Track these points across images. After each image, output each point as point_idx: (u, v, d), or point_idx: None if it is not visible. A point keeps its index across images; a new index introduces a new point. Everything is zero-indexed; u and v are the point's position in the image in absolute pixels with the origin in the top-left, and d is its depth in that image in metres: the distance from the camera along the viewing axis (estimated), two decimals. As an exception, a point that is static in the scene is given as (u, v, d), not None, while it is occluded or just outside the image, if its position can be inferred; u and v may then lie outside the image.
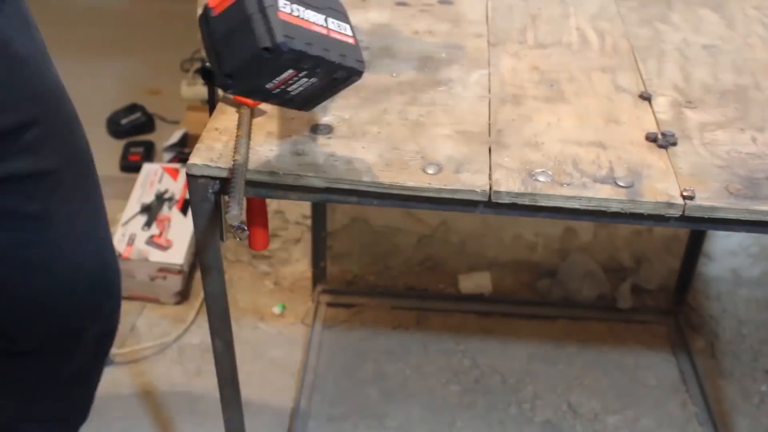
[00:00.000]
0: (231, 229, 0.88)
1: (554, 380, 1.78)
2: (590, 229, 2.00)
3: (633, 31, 1.24)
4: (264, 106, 0.98)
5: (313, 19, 0.77)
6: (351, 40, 0.81)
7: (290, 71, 0.74)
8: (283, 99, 0.80)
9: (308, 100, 0.82)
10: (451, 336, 1.89)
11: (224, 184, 0.91)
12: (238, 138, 0.90)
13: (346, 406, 1.70)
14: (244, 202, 1.01)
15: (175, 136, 2.33)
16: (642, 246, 2.01)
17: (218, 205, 0.99)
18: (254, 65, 0.72)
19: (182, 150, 2.31)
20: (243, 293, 1.97)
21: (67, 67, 2.97)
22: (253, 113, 0.96)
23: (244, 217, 1.01)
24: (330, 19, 0.80)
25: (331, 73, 0.78)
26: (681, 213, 0.85)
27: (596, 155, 0.92)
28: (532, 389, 1.76)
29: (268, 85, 0.76)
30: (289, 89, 0.78)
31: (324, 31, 0.77)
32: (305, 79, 0.77)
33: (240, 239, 0.88)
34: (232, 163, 0.87)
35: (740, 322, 1.92)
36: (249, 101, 0.96)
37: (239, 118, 0.94)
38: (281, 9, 0.72)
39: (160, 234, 1.96)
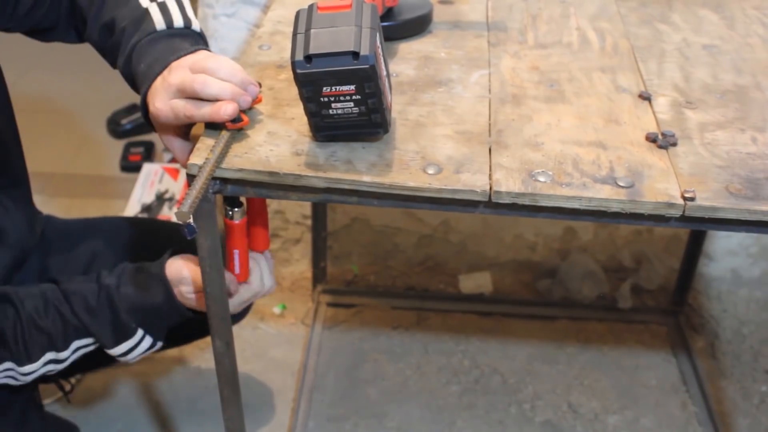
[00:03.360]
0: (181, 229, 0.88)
1: (554, 380, 1.78)
2: (590, 229, 2.00)
3: (633, 31, 1.24)
4: (259, 107, 0.98)
5: (384, 67, 0.89)
6: (389, 105, 0.92)
7: (351, 87, 0.84)
8: (318, 111, 0.87)
9: (331, 128, 0.89)
10: (451, 336, 1.89)
11: (224, 184, 0.91)
12: (220, 137, 0.90)
13: (346, 406, 1.70)
14: (244, 204, 1.02)
15: (176, 136, 2.33)
16: (642, 246, 2.01)
17: (233, 204, 1.00)
18: (334, 62, 0.82)
19: (182, 150, 2.31)
20: (243, 293, 1.97)
21: (68, 67, 2.96)
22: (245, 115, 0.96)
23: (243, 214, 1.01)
24: (389, 78, 0.93)
25: (373, 112, 0.86)
26: (681, 213, 0.85)
27: (596, 155, 0.92)
28: (532, 389, 1.76)
29: (326, 89, 0.84)
30: (332, 105, 0.86)
31: (387, 81, 0.90)
32: (351, 104, 0.86)
33: (188, 238, 0.89)
34: (204, 160, 0.87)
35: (740, 322, 1.92)
36: None
37: None
38: (378, 41, 0.86)
39: (160, 234, 1.96)
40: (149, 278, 1.09)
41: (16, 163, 1.20)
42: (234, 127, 0.91)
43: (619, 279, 2.02)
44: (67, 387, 1.53)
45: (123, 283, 1.09)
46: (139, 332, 1.10)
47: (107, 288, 1.08)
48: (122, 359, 1.13)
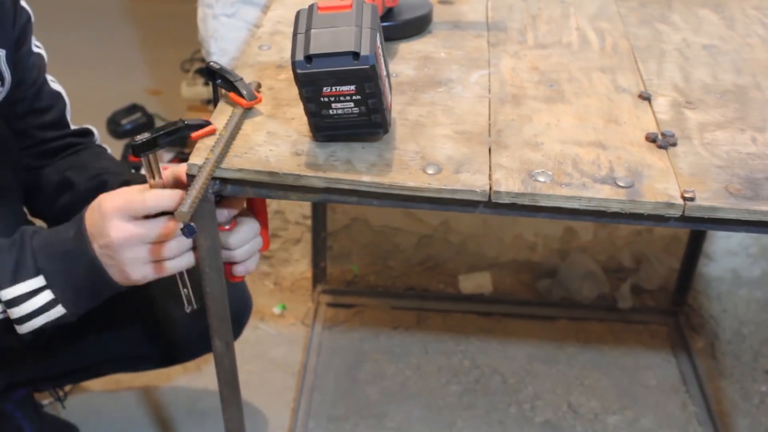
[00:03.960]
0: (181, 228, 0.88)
1: (554, 380, 1.78)
2: (590, 229, 2.00)
3: (633, 31, 1.24)
4: (259, 107, 0.98)
5: (384, 67, 0.89)
6: (389, 105, 0.92)
7: (351, 87, 0.84)
8: (318, 111, 0.87)
9: (331, 128, 0.89)
10: (451, 336, 1.89)
11: (224, 184, 0.91)
12: (220, 137, 0.90)
13: (346, 406, 1.70)
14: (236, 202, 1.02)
15: (175, 136, 2.33)
16: (642, 246, 2.01)
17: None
18: (335, 62, 0.82)
19: (182, 150, 2.31)
20: (243, 293, 1.97)
21: (68, 67, 2.96)
22: (245, 115, 0.96)
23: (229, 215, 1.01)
24: (389, 78, 0.93)
25: (373, 113, 0.86)
26: (681, 213, 0.85)
27: (596, 155, 0.92)
28: (532, 389, 1.76)
29: (326, 89, 0.84)
30: (332, 105, 0.86)
31: (387, 81, 0.90)
32: (351, 104, 0.86)
33: (188, 238, 0.88)
34: (203, 160, 0.87)
35: (740, 322, 1.92)
36: (243, 102, 0.96)
37: (229, 117, 0.94)
38: (378, 41, 0.86)
39: (160, 234, 1.95)
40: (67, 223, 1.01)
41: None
42: (250, 104, 0.96)
43: (619, 279, 2.02)
44: (60, 394, 1.53)
45: (41, 230, 1.02)
46: (40, 279, 0.98)
47: (23, 231, 1.01)
48: (19, 323, 0.99)
